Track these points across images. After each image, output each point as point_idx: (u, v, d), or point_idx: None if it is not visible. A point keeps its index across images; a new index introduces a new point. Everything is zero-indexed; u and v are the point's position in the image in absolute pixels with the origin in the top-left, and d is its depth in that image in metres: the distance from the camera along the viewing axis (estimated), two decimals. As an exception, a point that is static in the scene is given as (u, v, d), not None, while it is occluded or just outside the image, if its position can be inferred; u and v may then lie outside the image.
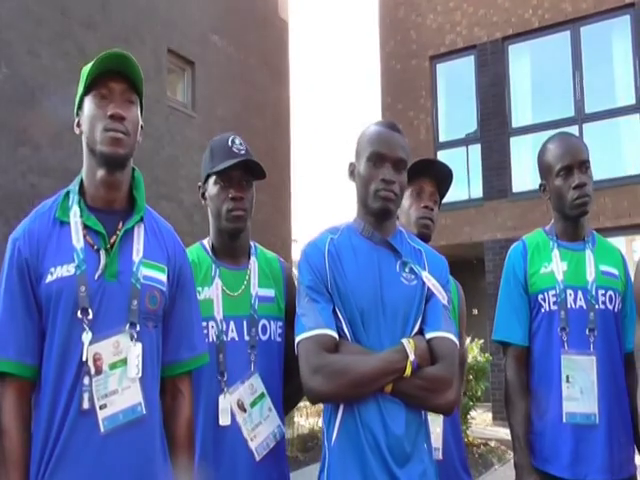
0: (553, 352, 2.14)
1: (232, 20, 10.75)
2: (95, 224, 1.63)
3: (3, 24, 7.22)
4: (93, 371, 1.54)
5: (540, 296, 2.20)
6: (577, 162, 2.19)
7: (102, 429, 1.53)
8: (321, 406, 1.85)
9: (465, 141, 10.74)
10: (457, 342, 1.81)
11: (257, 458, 1.89)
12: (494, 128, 10.28)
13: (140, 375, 1.59)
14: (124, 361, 1.57)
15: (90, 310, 1.55)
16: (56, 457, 1.51)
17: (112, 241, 1.63)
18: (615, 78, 9.76)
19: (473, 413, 8.10)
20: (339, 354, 1.72)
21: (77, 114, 1.70)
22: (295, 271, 1.97)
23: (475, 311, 10.54)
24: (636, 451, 2.17)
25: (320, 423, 6.71)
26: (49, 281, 1.56)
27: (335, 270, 1.80)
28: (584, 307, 2.15)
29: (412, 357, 1.70)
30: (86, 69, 1.65)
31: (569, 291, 2.16)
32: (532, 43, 10.32)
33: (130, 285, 1.60)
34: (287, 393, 2.05)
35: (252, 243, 2.12)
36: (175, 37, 9.63)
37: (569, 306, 2.15)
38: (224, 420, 1.88)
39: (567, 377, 2.11)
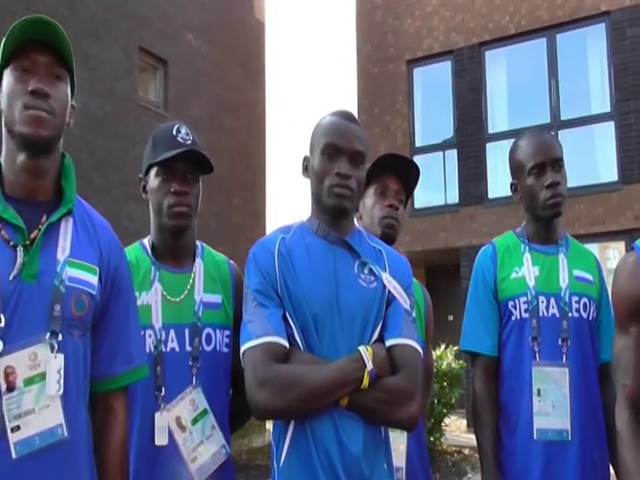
0: (524, 363, 2.00)
1: (207, 19, 10.54)
2: (12, 217, 1.41)
3: (-36, 16, 6.95)
4: (4, 388, 1.33)
5: (510, 303, 2.05)
6: (550, 160, 2.05)
7: (14, 454, 1.32)
8: None
9: (441, 146, 10.66)
10: (420, 350, 1.65)
11: (198, 482, 1.70)
12: (470, 134, 10.22)
13: (62, 392, 1.38)
14: (42, 376, 1.36)
15: (2, 316, 1.34)
16: None
17: (33, 237, 1.41)
18: (590, 86, 9.76)
19: (447, 420, 7.98)
20: (289, 364, 1.54)
21: None
22: None
23: (450, 317, 10.44)
24: (611, 469, 2.03)
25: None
26: None
27: (286, 272, 1.63)
28: (557, 315, 2.01)
29: (370, 366, 1.54)
30: (5, 38, 1.45)
31: (541, 298, 2.02)
32: (508, 49, 10.30)
33: (52, 287, 1.40)
34: (235, 409, 1.86)
35: (199, 243, 1.93)
36: (147, 35, 9.39)
37: (541, 314, 2.01)
38: (160, 440, 1.69)
39: (538, 390, 1.96)
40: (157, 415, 1.70)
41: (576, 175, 9.59)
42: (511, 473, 1.99)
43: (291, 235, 1.71)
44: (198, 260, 1.87)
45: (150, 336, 1.74)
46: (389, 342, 1.61)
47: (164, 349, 1.75)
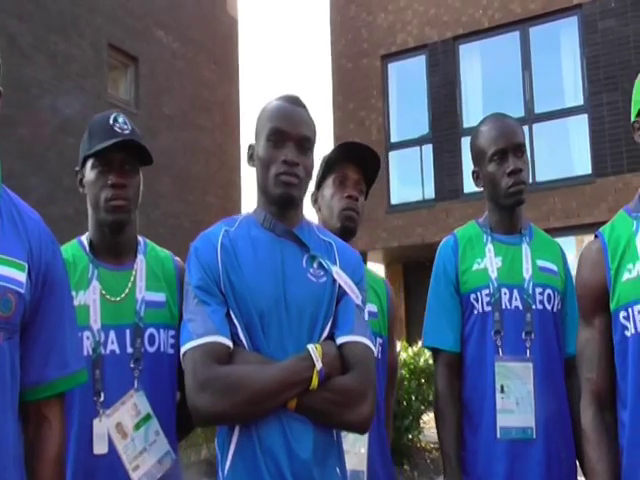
0: (486, 358, 1.91)
1: (178, 16, 10.38)
2: None
3: None
4: None
5: (472, 296, 1.96)
6: (512, 146, 1.97)
7: None
8: None
9: (417, 141, 10.61)
10: (373, 347, 1.55)
11: (141, 491, 1.60)
12: (445, 128, 10.19)
13: None
14: None
15: None
16: None
17: None
18: (564, 79, 9.78)
19: (425, 417, 7.92)
20: (232, 365, 1.44)
21: None
22: None
23: (428, 313, 10.39)
24: (578, 467, 1.95)
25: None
26: None
27: (229, 266, 1.53)
28: (520, 307, 1.93)
29: (319, 366, 1.44)
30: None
31: (504, 290, 1.94)
32: (482, 43, 10.28)
33: None
34: (184, 413, 1.76)
35: (141, 239, 1.82)
36: (117, 31, 9.22)
37: (504, 307, 1.93)
38: (99, 448, 1.59)
39: (502, 387, 1.88)
40: (96, 422, 1.60)
41: (550, 168, 9.65)
42: (474, 474, 1.90)
43: (236, 227, 1.62)
44: (140, 257, 1.77)
45: (88, 338, 1.63)
46: (340, 340, 1.52)
47: (103, 351, 1.64)
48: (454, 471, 1.90)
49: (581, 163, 9.35)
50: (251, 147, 1.66)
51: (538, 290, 1.94)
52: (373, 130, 10.73)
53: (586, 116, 9.28)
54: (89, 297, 1.66)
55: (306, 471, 1.43)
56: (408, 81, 10.94)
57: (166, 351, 1.71)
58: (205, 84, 10.80)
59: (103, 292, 1.68)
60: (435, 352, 2.03)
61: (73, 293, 1.63)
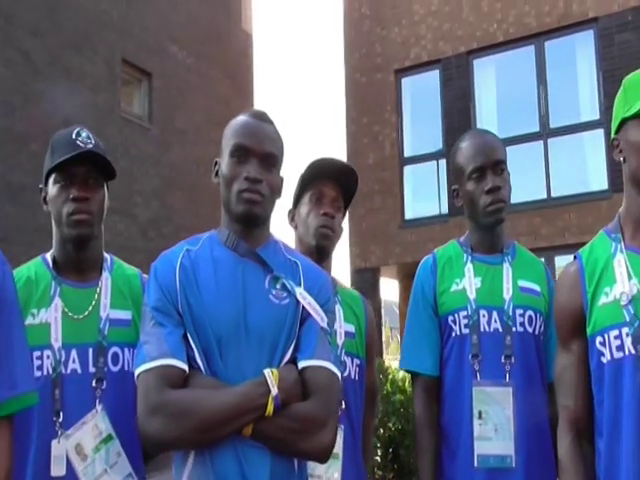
0: (464, 383, 1.85)
1: (193, 31, 10.48)
2: None
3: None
4: None
5: (450, 318, 1.90)
6: (490, 163, 1.91)
7: None
8: None
9: (431, 156, 10.54)
10: (337, 372, 1.50)
11: (100, 515, 1.56)
12: (459, 143, 10.09)
13: None
14: None
15: None
16: None
17: None
18: (579, 93, 9.65)
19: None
20: (184, 390, 1.40)
21: None
22: None
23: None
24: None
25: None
26: None
27: (188, 288, 1.49)
28: (500, 330, 1.86)
29: (274, 391, 1.39)
30: None
31: (482, 312, 1.87)
32: (497, 57, 10.20)
33: None
34: None
35: (108, 256, 1.80)
36: (130, 47, 9.32)
37: (482, 329, 1.86)
38: (57, 470, 1.55)
39: (479, 413, 1.80)
40: (54, 443, 1.57)
41: (566, 184, 9.50)
42: (452, 503, 1.83)
43: (199, 247, 1.58)
44: (105, 274, 1.74)
45: (48, 357, 1.61)
46: (301, 364, 1.47)
47: (64, 371, 1.61)
48: (429, 501, 1.82)
49: (597, 178, 9.19)
50: (216, 163, 1.63)
51: (519, 312, 1.87)
52: (387, 145, 10.68)
53: (602, 131, 9.12)
54: (51, 315, 1.64)
55: None
56: (422, 96, 10.89)
57: (130, 370, 1.67)
58: (219, 99, 10.86)
59: (65, 310, 1.65)
60: (413, 376, 1.97)
61: (34, 311, 1.61)
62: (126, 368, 1.67)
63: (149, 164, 9.24)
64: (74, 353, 1.63)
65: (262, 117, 1.59)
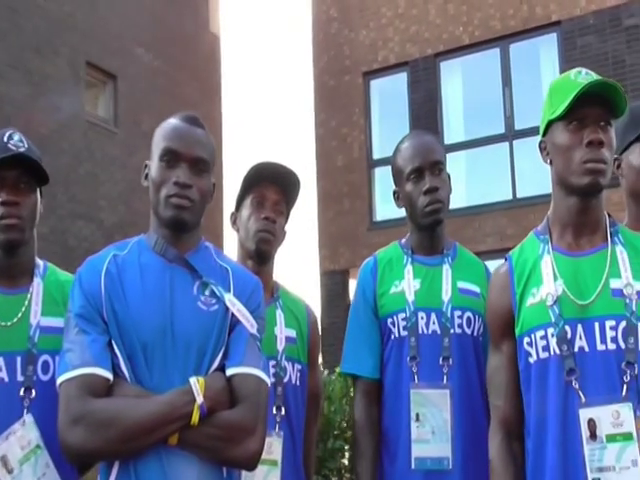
0: (402, 386, 1.85)
1: (159, 33, 10.40)
2: None
3: None
4: None
5: (389, 320, 1.90)
6: (428, 164, 1.92)
7: None
8: None
9: (399, 158, 10.59)
10: (266, 379, 1.49)
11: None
12: (426, 145, 10.15)
13: None
14: None
15: None
16: None
17: None
18: (543, 94, 9.72)
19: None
20: (107, 399, 1.38)
21: None
22: None
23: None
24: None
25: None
26: None
27: (113, 294, 1.47)
28: (438, 332, 1.87)
29: (200, 400, 1.38)
30: None
31: (421, 314, 1.87)
32: (463, 60, 10.29)
33: None
34: None
35: (41, 262, 1.76)
36: (94, 49, 9.21)
37: (420, 331, 1.86)
38: (-19, 483, 1.51)
39: (417, 415, 1.81)
40: None
41: (532, 185, 9.62)
42: (391, 506, 1.83)
43: (126, 252, 1.56)
44: (37, 280, 1.70)
45: None
46: (229, 371, 1.46)
47: None
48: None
49: (562, 179, 9.32)
50: (146, 166, 1.61)
51: (457, 313, 1.88)
52: (355, 147, 10.70)
53: (566, 132, 9.27)
54: None
55: None
56: (390, 98, 10.94)
57: None
58: (186, 102, 10.76)
59: None
60: (354, 379, 1.97)
61: None
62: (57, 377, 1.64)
63: (115, 168, 9.13)
64: (1, 361, 1.59)
65: (193, 121, 1.58)
